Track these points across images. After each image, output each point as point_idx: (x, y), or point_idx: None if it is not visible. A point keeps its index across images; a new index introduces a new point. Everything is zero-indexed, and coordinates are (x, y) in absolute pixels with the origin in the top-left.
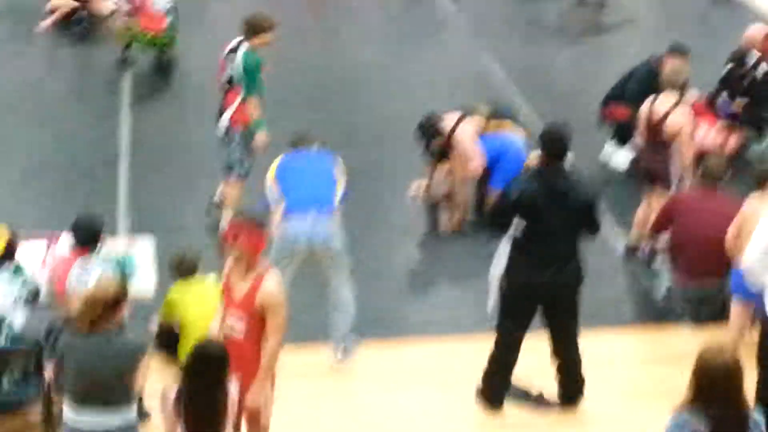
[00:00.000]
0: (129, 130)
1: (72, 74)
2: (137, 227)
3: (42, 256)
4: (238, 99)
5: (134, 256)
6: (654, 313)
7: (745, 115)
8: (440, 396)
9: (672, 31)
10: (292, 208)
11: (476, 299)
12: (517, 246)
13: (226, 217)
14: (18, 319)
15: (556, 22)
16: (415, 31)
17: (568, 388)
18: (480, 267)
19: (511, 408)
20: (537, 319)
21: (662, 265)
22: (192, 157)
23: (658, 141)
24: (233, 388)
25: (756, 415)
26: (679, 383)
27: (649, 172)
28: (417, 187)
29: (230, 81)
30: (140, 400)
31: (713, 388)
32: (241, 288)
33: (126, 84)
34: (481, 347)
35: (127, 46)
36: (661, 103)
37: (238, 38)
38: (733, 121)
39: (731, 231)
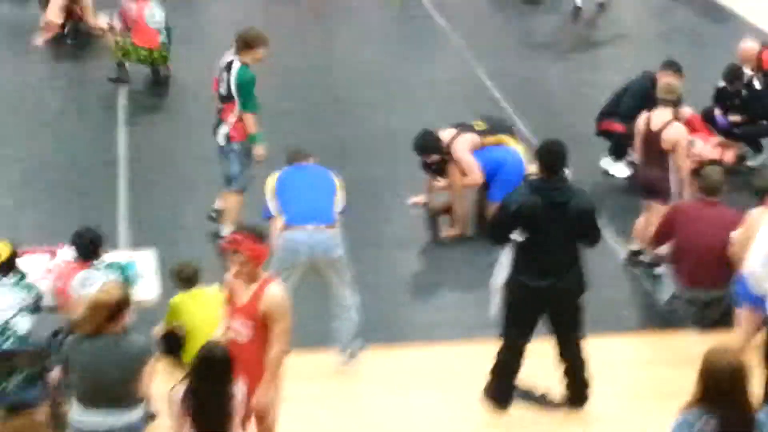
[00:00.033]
0: (125, 145)
1: (67, 90)
2: (137, 240)
3: (45, 267)
4: (234, 114)
5: (136, 263)
6: (657, 317)
7: (741, 130)
8: (443, 399)
9: (665, 46)
10: (292, 221)
11: (477, 303)
12: (518, 256)
13: (226, 230)
14: (23, 324)
15: (550, 37)
16: (409, 46)
17: (574, 392)
18: (481, 274)
19: (515, 409)
20: (542, 323)
21: (664, 273)
22: (189, 169)
23: (655, 155)
24: (239, 390)
25: (762, 416)
26: (684, 385)
27: (648, 185)
28: (416, 199)
29: (225, 97)
30: (147, 401)
31: (719, 389)
32: (244, 295)
33: (121, 100)
34: (484, 351)
35: (122, 62)
36: (656, 117)
37: (231, 54)
38: (729, 136)
39: (738, 239)
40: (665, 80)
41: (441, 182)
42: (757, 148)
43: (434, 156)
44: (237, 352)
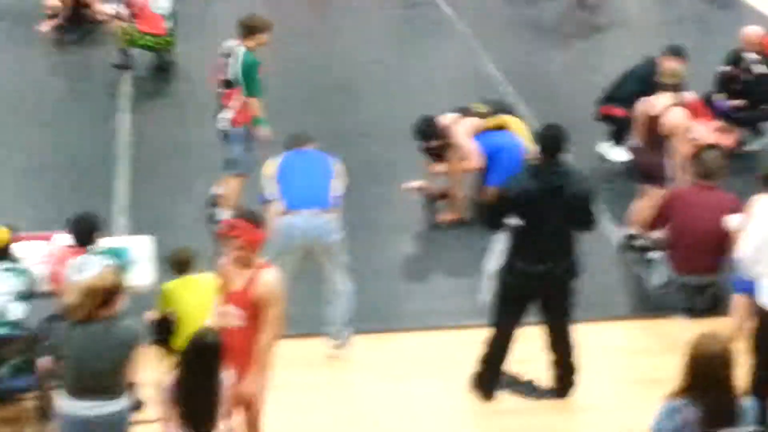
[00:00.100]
0: (128, 132)
1: (71, 77)
2: (136, 227)
3: (40, 254)
4: (238, 100)
5: (131, 248)
6: (648, 303)
7: (741, 115)
8: (435, 385)
9: (668, 32)
10: (289, 206)
11: (471, 291)
12: (513, 241)
13: (225, 214)
14: (16, 310)
15: (554, 24)
16: (413, 32)
17: (562, 379)
18: (475, 260)
19: (503, 395)
20: (532, 308)
21: (658, 258)
22: (190, 157)
23: (655, 139)
24: (228, 377)
25: (747, 402)
26: (672, 372)
27: (645, 169)
28: (413, 184)
29: (229, 83)
30: (134, 387)
31: (706, 375)
32: (239, 281)
33: (125, 86)
34: (476, 338)
35: (126, 48)
36: (657, 102)
37: (235, 40)
38: (730, 121)
39: (741, 225)
40: (668, 65)
41: (440, 167)
42: (757, 133)
43: (434, 141)
44: (230, 337)
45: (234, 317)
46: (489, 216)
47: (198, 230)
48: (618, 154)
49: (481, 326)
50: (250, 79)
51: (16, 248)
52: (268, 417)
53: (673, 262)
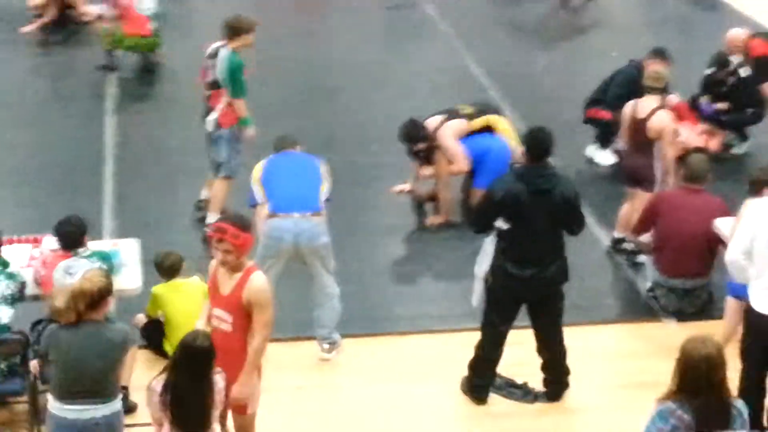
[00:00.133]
0: (114, 133)
1: (56, 78)
2: (122, 229)
3: (29, 255)
4: (224, 101)
5: (120, 251)
6: (637, 307)
7: (727, 118)
8: (426, 388)
9: (653, 34)
10: (277, 209)
11: (461, 294)
12: (501, 244)
13: (212, 217)
14: (5, 313)
15: (538, 25)
16: (397, 34)
17: (554, 383)
18: (465, 263)
19: (496, 398)
20: (522, 312)
21: (646, 262)
22: (176, 159)
23: (641, 142)
24: (220, 380)
25: (739, 404)
26: (662, 375)
27: (632, 172)
28: (401, 187)
29: (214, 84)
30: (126, 391)
31: (697, 378)
32: (227, 285)
33: (111, 87)
34: (466, 341)
35: (112, 50)
36: (643, 105)
37: (220, 41)
38: (715, 123)
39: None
40: (653, 68)
41: (428, 170)
42: (743, 136)
43: (420, 144)
44: (219, 341)
45: (223, 321)
46: (477, 219)
47: (185, 232)
48: (605, 157)
49: (472, 329)
50: (235, 81)
51: (4, 251)
52: (258, 420)
53: (661, 265)
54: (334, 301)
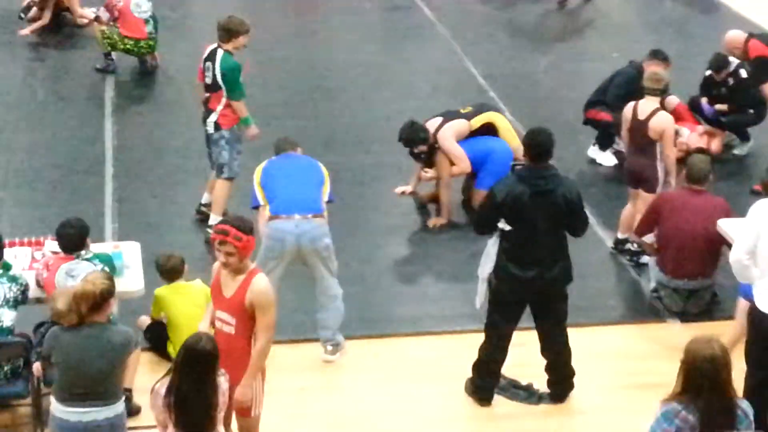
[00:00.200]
0: (112, 136)
1: (55, 80)
2: (124, 231)
3: (29, 259)
4: (222, 103)
5: (121, 253)
6: (643, 307)
7: (727, 119)
8: (429, 390)
9: (652, 35)
10: (278, 211)
11: (464, 295)
12: (504, 246)
13: (214, 219)
14: (8, 316)
15: (536, 27)
16: (396, 36)
17: (558, 384)
18: (467, 264)
19: (500, 400)
20: (526, 313)
21: (650, 262)
22: (176, 160)
23: (642, 143)
24: (224, 382)
25: (744, 405)
26: (666, 376)
27: (634, 174)
28: (403, 188)
29: (212, 86)
30: (130, 393)
31: (701, 378)
32: (230, 288)
33: (108, 90)
34: (469, 342)
35: (108, 52)
36: (643, 106)
37: (215, 44)
38: (715, 125)
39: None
40: (652, 69)
41: (430, 173)
42: (744, 137)
43: (421, 146)
44: (222, 343)
45: (226, 323)
46: (479, 220)
47: (186, 233)
48: (605, 158)
49: (476, 331)
50: (232, 82)
51: (6, 254)
52: (261, 422)
53: (664, 266)
54: (337, 302)
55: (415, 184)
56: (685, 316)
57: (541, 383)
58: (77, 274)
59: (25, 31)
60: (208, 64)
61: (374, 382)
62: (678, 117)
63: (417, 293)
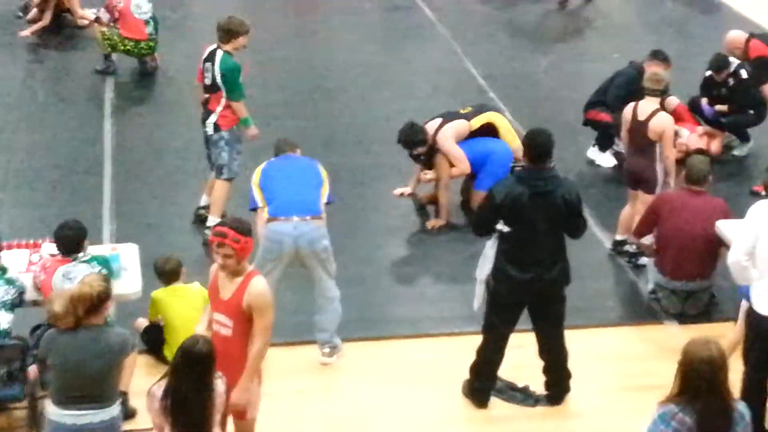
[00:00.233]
0: (112, 137)
1: (54, 81)
2: (122, 233)
3: (26, 262)
4: (221, 104)
5: (119, 255)
6: (640, 309)
7: (727, 119)
8: (426, 392)
9: (652, 36)
10: (277, 213)
11: (462, 297)
12: (503, 247)
13: (213, 220)
14: (4, 319)
15: (536, 27)
16: (396, 36)
17: (555, 386)
18: (466, 266)
19: (497, 402)
20: (523, 315)
21: (648, 264)
22: (175, 161)
23: (642, 144)
24: (220, 385)
25: (741, 407)
26: (664, 378)
27: (633, 174)
28: (402, 190)
29: (211, 87)
30: (126, 396)
31: (699, 380)
32: (228, 290)
33: (108, 92)
34: (467, 344)
35: (109, 54)
36: (642, 107)
37: (215, 44)
38: (715, 125)
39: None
40: (652, 70)
41: (429, 174)
42: (744, 138)
43: (420, 148)
44: (219, 345)
45: (224, 325)
46: (478, 222)
47: (184, 235)
48: (605, 159)
49: (473, 333)
50: (231, 83)
51: (2, 256)
52: (258, 425)
53: (663, 267)
54: (335, 304)
55: (414, 185)
56: (683, 318)
57: (538, 385)
58: (74, 277)
59: (26, 32)
60: (208, 64)
61: (372, 384)
62: (678, 118)
63: (415, 295)
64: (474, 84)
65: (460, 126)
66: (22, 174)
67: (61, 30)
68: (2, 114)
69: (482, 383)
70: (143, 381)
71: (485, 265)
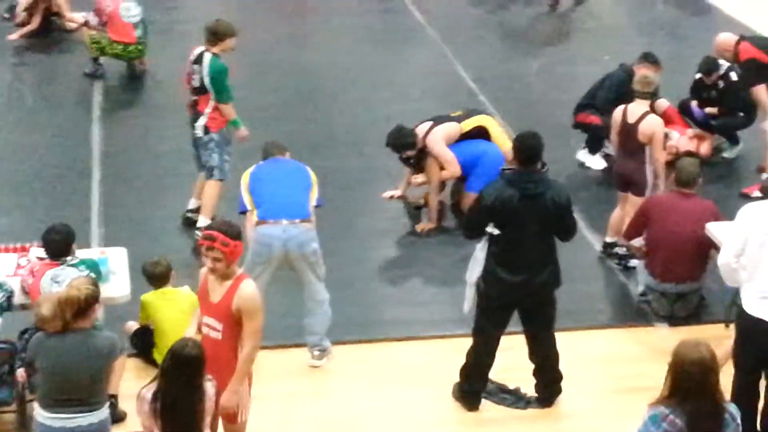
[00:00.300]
0: (100, 140)
1: (42, 85)
2: (110, 237)
3: (14, 265)
4: (210, 106)
5: (108, 259)
6: (630, 311)
7: (717, 122)
8: (417, 395)
9: (643, 38)
10: (265, 216)
11: (452, 300)
12: (493, 250)
13: (204, 221)
14: None
15: (527, 30)
16: (387, 39)
17: (546, 388)
18: (456, 268)
19: (487, 405)
20: (514, 317)
21: (638, 266)
22: (163, 165)
23: (631, 146)
24: (210, 388)
25: (732, 408)
26: (654, 379)
27: (623, 177)
28: (391, 193)
29: (199, 89)
30: (115, 400)
31: (689, 382)
32: (217, 293)
33: (96, 95)
34: (458, 347)
35: (97, 57)
36: (633, 110)
37: (202, 47)
38: (705, 128)
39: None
40: (642, 72)
41: (420, 178)
42: (733, 140)
43: (409, 151)
44: (209, 349)
45: (213, 329)
46: (468, 224)
47: (173, 238)
48: (595, 162)
49: (464, 335)
50: (219, 85)
51: None
52: (248, 428)
53: (653, 269)
54: (324, 307)
55: (403, 188)
56: (673, 320)
57: (528, 387)
58: (62, 280)
59: (14, 36)
60: (196, 66)
61: (362, 387)
62: (668, 120)
63: (405, 297)
64: (464, 87)
65: (451, 129)
66: (10, 177)
67: (49, 33)
68: None
69: (473, 386)
70: (133, 384)
71: (475, 268)
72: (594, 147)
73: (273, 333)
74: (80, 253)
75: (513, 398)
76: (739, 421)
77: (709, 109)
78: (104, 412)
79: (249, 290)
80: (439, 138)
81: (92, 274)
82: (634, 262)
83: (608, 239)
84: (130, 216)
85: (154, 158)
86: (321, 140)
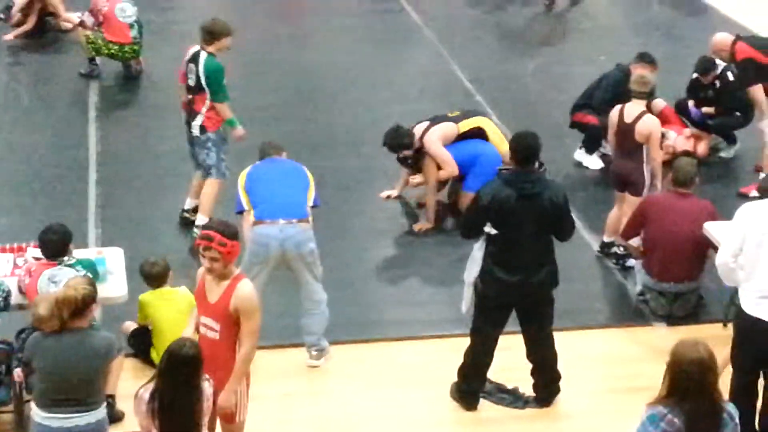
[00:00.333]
0: (96, 141)
1: (38, 85)
2: (107, 237)
3: (10, 266)
4: (206, 105)
5: (105, 259)
6: (628, 311)
7: (713, 121)
8: (415, 395)
9: (639, 38)
10: (263, 216)
11: (450, 300)
12: (490, 250)
13: (202, 219)
14: None
15: (523, 30)
16: (384, 40)
17: (544, 388)
18: (454, 268)
19: (485, 405)
20: (512, 317)
21: (636, 266)
22: (160, 164)
23: (629, 146)
24: (208, 387)
25: (730, 408)
26: (652, 379)
27: (620, 177)
28: (388, 193)
29: (195, 88)
30: (113, 400)
31: (688, 381)
32: (215, 293)
33: (92, 95)
34: (455, 346)
35: (93, 57)
36: (629, 110)
37: (197, 46)
38: (702, 127)
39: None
40: (639, 72)
41: (417, 178)
42: (730, 140)
43: (406, 151)
44: (207, 349)
45: (210, 329)
46: (465, 224)
47: (170, 238)
48: (592, 162)
49: (461, 335)
50: (215, 84)
51: None
52: (246, 428)
53: (650, 269)
54: (321, 307)
55: (400, 188)
56: (671, 320)
57: (526, 387)
58: (59, 280)
59: (10, 36)
60: (191, 66)
61: (360, 387)
62: (664, 120)
63: (403, 297)
64: (461, 87)
65: (448, 129)
66: (7, 177)
67: (45, 34)
68: None
69: (471, 386)
70: (130, 384)
71: (473, 268)
72: (591, 147)
73: (270, 333)
74: (77, 253)
75: (511, 398)
76: (737, 420)
77: (705, 109)
78: (102, 412)
79: (246, 290)
80: (435, 138)
81: (89, 274)
82: (631, 262)
83: (606, 239)
84: (128, 216)
85: (151, 158)
86: (317, 140)
